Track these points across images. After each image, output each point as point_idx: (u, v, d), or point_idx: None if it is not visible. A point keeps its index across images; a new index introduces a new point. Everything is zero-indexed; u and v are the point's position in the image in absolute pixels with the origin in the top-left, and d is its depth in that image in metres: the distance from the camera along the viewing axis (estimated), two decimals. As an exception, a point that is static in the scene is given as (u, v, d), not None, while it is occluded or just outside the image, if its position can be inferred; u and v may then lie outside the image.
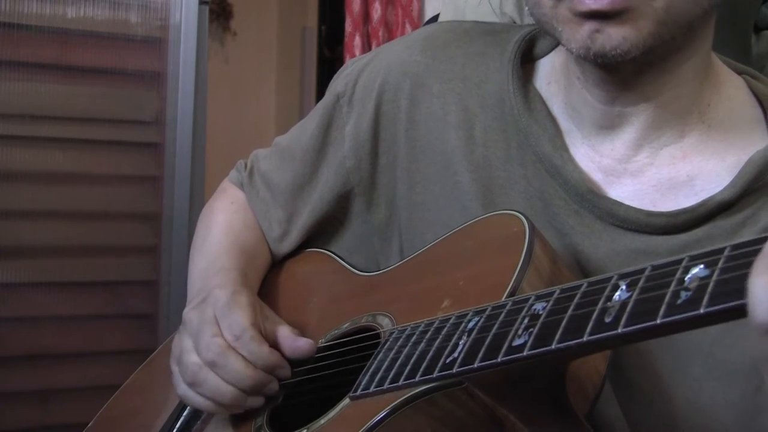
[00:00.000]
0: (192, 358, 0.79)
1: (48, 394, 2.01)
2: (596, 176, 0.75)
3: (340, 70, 0.95)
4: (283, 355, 0.81)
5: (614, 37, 0.65)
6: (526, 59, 0.83)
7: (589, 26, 0.66)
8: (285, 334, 0.82)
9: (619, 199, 0.73)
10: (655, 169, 0.74)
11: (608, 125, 0.75)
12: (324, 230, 0.95)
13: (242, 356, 0.78)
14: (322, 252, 0.95)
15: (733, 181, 0.70)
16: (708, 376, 0.70)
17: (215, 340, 0.78)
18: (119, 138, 2.08)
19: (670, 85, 0.72)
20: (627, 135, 0.74)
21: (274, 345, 0.81)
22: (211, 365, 0.78)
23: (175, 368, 0.83)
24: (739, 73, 0.79)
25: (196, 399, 0.80)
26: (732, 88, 0.76)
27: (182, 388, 0.81)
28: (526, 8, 1.39)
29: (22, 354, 1.97)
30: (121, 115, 2.07)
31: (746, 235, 0.69)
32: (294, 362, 0.82)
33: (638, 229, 0.72)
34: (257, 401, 0.79)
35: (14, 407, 1.98)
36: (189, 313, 0.83)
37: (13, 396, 1.98)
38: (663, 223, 0.71)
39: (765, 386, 0.68)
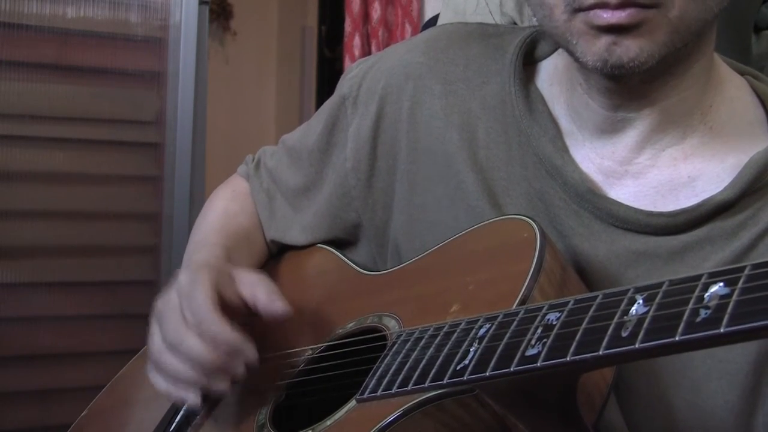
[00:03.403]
0: (156, 341, 0.78)
1: (48, 394, 2.01)
2: (597, 177, 0.75)
3: (346, 71, 0.95)
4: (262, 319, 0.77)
5: (632, 49, 0.65)
6: (528, 61, 0.83)
7: (606, 39, 0.66)
8: (261, 297, 0.77)
9: (619, 200, 0.73)
10: (656, 171, 0.74)
11: (610, 130, 0.74)
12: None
13: (202, 339, 0.75)
14: (327, 249, 0.94)
15: (733, 182, 0.70)
16: (707, 377, 0.70)
17: (175, 323, 0.77)
18: (119, 138, 2.08)
19: (676, 90, 0.72)
20: (629, 138, 0.74)
21: (246, 309, 0.78)
22: (171, 348, 0.76)
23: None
24: (742, 73, 0.79)
25: (160, 383, 0.79)
26: (734, 89, 0.76)
27: (150, 373, 0.80)
28: (527, 9, 1.40)
29: (22, 354, 1.97)
30: (121, 115, 2.06)
31: (746, 237, 0.70)
32: (299, 362, 0.81)
33: (638, 230, 0.72)
34: (222, 385, 0.76)
35: (14, 407, 1.98)
36: (157, 301, 0.81)
37: (13, 396, 1.97)
38: (663, 223, 0.71)
39: (761, 386, 0.68)
